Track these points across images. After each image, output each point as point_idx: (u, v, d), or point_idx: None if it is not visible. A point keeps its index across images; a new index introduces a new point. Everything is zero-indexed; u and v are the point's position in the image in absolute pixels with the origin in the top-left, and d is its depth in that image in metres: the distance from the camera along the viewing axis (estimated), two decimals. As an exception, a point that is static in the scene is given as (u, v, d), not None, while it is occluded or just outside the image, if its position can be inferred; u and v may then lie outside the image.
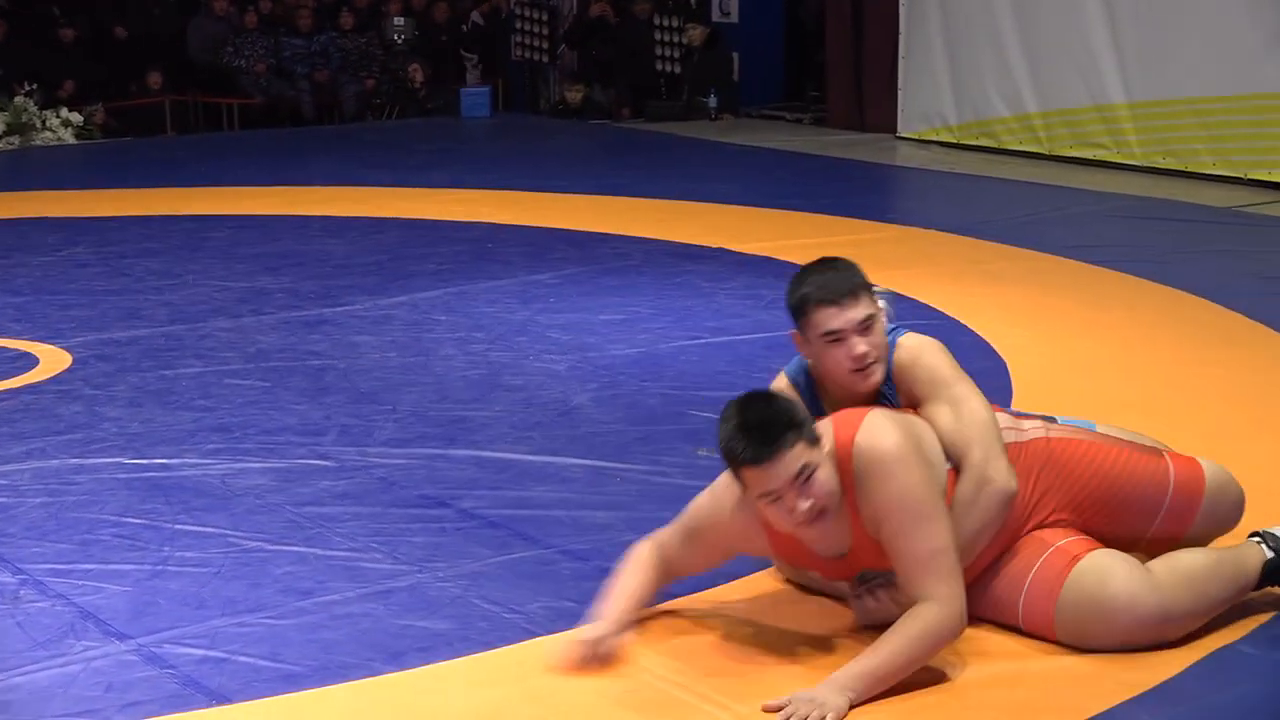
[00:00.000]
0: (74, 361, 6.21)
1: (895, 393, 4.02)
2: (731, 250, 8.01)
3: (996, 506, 3.79)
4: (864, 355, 3.86)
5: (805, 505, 3.39)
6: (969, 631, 3.53)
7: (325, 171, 10.81)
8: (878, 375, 3.94)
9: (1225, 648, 3.59)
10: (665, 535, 3.78)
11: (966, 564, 3.69)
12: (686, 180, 10.28)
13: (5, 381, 5.96)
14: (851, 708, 3.34)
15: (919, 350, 4.05)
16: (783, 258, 7.75)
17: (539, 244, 8.37)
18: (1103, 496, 3.85)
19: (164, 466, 4.99)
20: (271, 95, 14.73)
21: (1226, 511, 4.00)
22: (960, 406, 3.94)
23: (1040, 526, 3.81)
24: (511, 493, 4.72)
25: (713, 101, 13.42)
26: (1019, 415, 4.11)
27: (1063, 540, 3.74)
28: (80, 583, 4.10)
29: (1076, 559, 3.65)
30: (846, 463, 3.53)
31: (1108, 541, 3.76)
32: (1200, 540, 3.94)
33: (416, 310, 6.98)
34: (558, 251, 8.13)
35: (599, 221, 8.83)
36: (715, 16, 13.91)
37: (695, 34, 13.70)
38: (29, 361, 6.22)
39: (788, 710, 3.35)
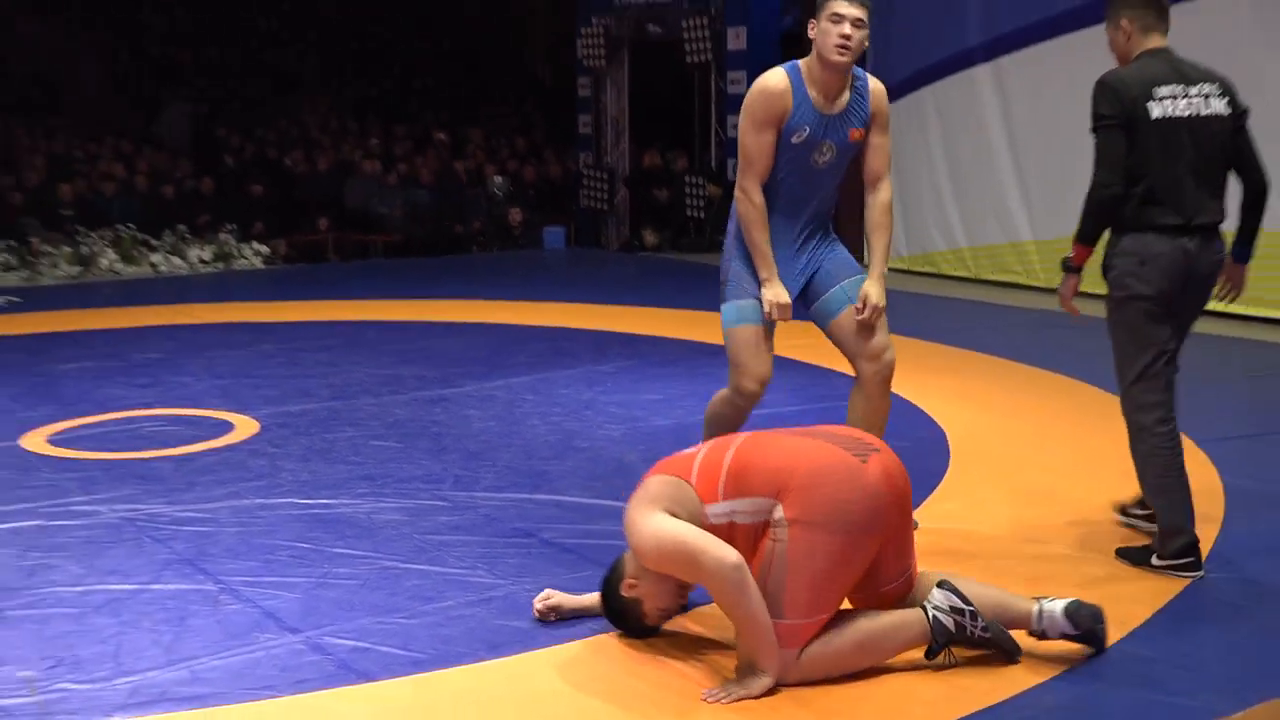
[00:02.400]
0: (261, 428, 6.25)
1: (866, 105, 4.49)
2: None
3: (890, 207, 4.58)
4: (848, 38, 4.27)
5: None
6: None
7: (445, 289, 10.88)
8: (848, 59, 4.31)
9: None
10: None
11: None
12: (710, 297, 10.26)
13: (210, 442, 5.99)
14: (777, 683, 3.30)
15: (882, 87, 4.58)
16: (783, 354, 7.75)
17: (601, 343, 8.39)
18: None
19: (325, 505, 5.01)
20: (405, 233, 14.84)
21: None
22: (888, 142, 4.54)
23: None
24: (581, 526, 4.72)
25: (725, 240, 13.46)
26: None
27: None
28: (264, 590, 4.12)
29: None
30: None
31: None
32: None
33: (511, 391, 6.99)
34: (614, 349, 8.15)
35: (645, 327, 8.87)
36: (729, 176, 13.97)
37: (714, 190, 13.79)
38: (227, 427, 6.26)
39: (718, 694, 3.30)
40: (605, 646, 3.67)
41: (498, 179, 15.57)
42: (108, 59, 19.43)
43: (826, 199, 4.61)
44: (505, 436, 6.06)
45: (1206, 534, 4.55)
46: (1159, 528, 4.27)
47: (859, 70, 4.47)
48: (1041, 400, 6.73)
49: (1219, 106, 4.18)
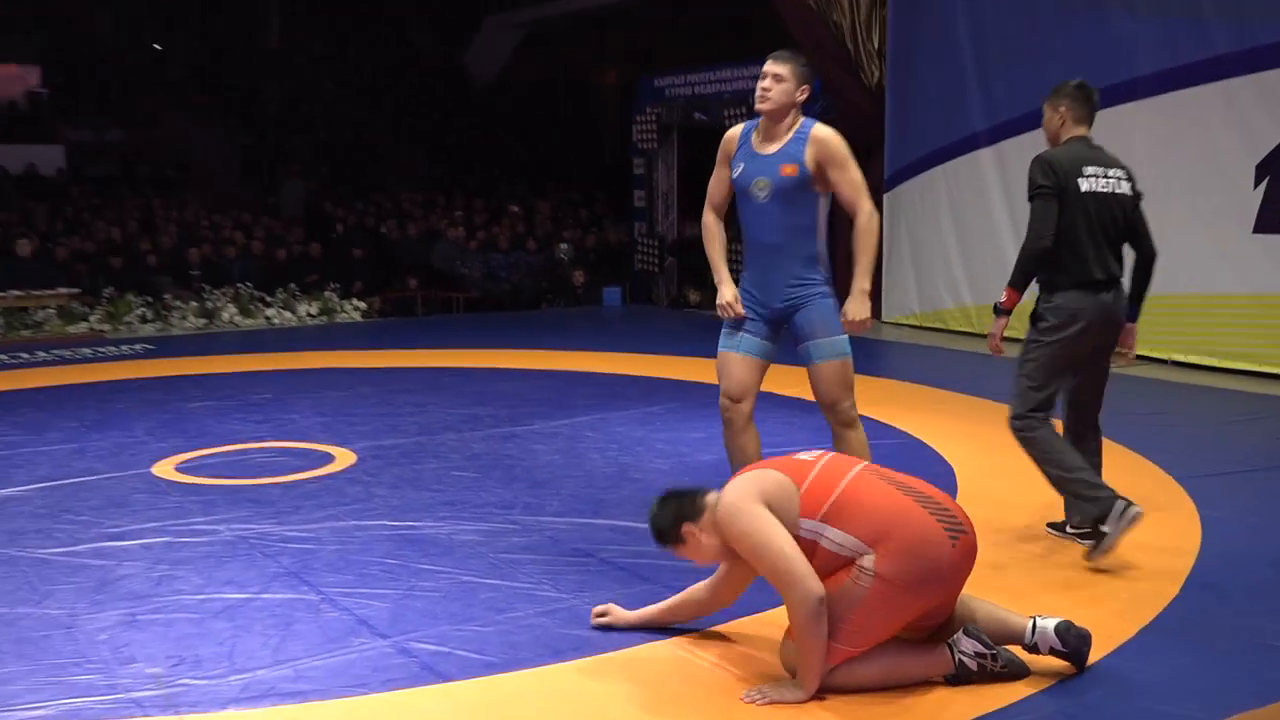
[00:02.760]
0: (357, 459, 6.27)
1: (803, 149, 4.54)
2: (776, 394, 7.96)
3: (877, 227, 4.53)
4: (767, 90, 4.53)
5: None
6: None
7: (516, 340, 10.91)
8: (767, 107, 4.54)
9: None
10: None
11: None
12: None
13: (313, 471, 6.01)
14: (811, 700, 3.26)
15: (833, 133, 4.57)
16: (805, 398, 7.71)
17: (651, 388, 8.37)
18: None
19: (412, 527, 5.01)
20: (483, 291, 14.92)
21: None
22: (855, 172, 4.52)
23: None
24: (634, 548, 4.69)
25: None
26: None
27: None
28: (358, 600, 4.11)
29: None
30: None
31: None
32: None
33: (573, 429, 6.98)
34: (664, 393, 8.13)
35: (691, 374, 8.83)
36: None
37: (752, 255, 13.76)
38: (328, 458, 6.28)
39: (754, 695, 3.27)
40: (656, 653, 3.64)
41: (564, 245, 15.66)
42: (233, 143, 19.75)
43: (783, 232, 4.60)
44: (568, 468, 6.05)
45: (1186, 560, 4.48)
46: (1085, 507, 4.44)
47: (809, 121, 4.60)
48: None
49: (1125, 188, 4.55)
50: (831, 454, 3.56)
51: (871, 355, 10.20)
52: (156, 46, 22.15)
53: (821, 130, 4.57)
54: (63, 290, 12.21)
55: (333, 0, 23.60)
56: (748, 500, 3.35)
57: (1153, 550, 4.58)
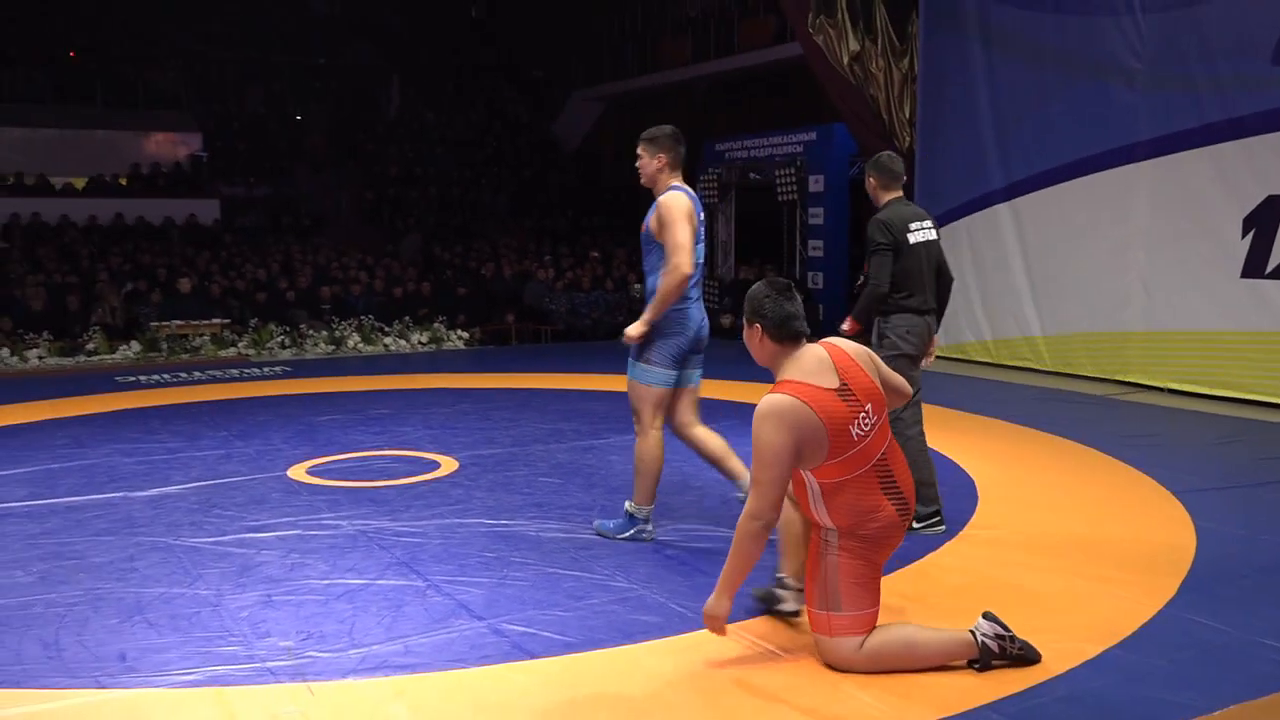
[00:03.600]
0: (459, 466, 6.28)
1: (651, 211, 4.62)
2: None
3: (675, 281, 4.48)
4: (637, 166, 4.71)
5: None
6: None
7: (596, 366, 10.91)
8: (642, 179, 4.70)
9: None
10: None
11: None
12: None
13: (422, 476, 6.03)
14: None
15: (666, 199, 4.58)
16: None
17: (711, 407, 8.25)
18: None
19: (505, 525, 5.00)
20: (568, 324, 14.95)
21: None
22: (676, 234, 4.51)
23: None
24: (695, 545, 4.65)
25: (806, 331, 13.30)
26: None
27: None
28: (459, 587, 4.11)
29: None
30: None
31: None
32: None
33: (644, 442, 6.95)
34: (721, 411, 8.06)
35: (745, 395, 8.77)
36: (809, 285, 13.87)
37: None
38: (435, 465, 6.30)
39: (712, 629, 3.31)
40: (715, 640, 3.58)
41: (636, 285, 15.65)
42: (359, 198, 20.04)
43: (648, 276, 4.70)
44: (639, 476, 6.01)
45: (1183, 564, 4.34)
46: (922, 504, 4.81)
47: (673, 187, 4.64)
48: (1044, 454, 6.50)
49: (934, 235, 4.98)
50: (884, 440, 3.27)
51: (902, 382, 10.08)
52: (298, 117, 22.62)
53: (663, 197, 4.60)
54: (216, 320, 12.44)
55: (443, 78, 23.98)
56: (775, 422, 3.14)
57: (1153, 556, 4.45)
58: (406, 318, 13.24)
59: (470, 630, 3.65)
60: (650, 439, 4.64)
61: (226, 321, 12.57)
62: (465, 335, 13.41)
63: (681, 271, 4.50)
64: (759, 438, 3.14)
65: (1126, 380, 9.25)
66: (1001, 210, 10.73)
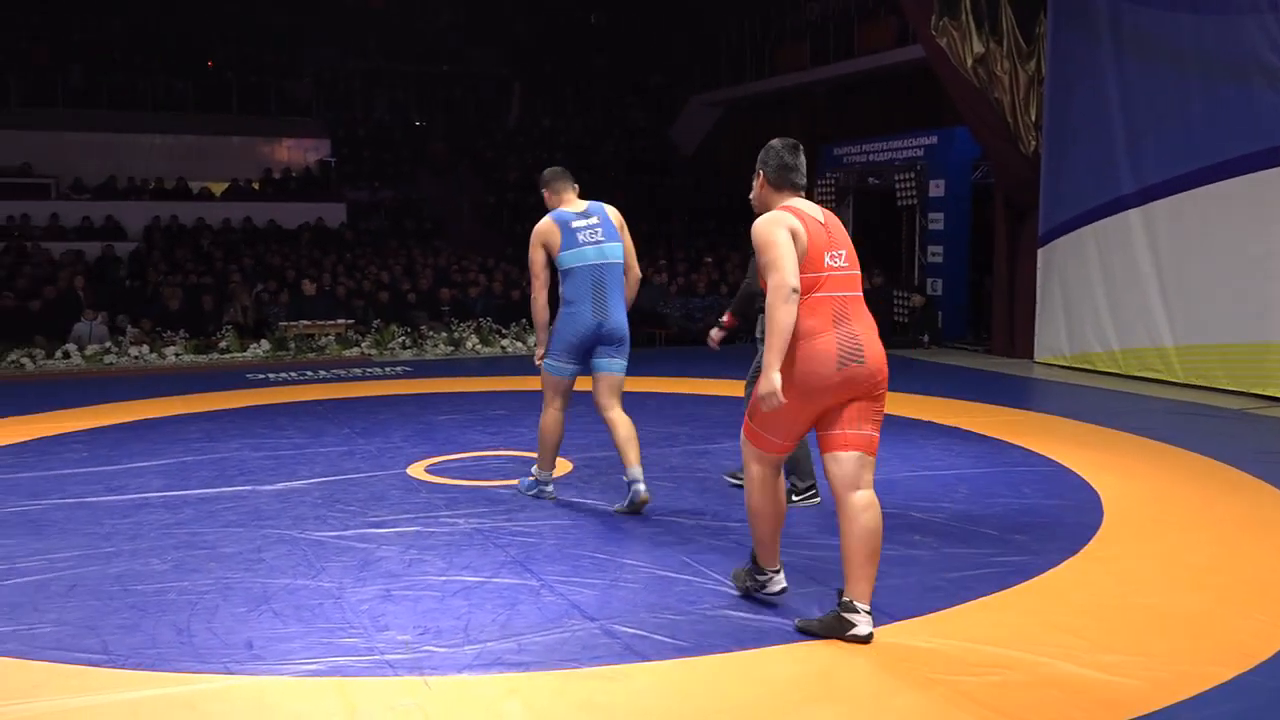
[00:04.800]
0: (573, 468, 6.33)
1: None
2: (935, 421, 7.75)
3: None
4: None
5: None
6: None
7: (709, 370, 10.88)
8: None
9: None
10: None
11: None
12: (912, 381, 10.03)
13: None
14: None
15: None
16: (965, 428, 7.48)
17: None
18: None
19: (617, 527, 5.04)
20: (682, 329, 14.96)
21: None
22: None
23: None
24: (806, 552, 4.60)
25: (925, 338, 13.08)
26: None
27: None
28: (572, 587, 4.14)
29: None
30: None
31: None
32: None
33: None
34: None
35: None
36: (929, 291, 13.63)
37: (917, 300, 13.42)
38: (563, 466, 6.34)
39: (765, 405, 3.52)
40: (829, 646, 3.54)
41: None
42: (479, 203, 20.41)
43: None
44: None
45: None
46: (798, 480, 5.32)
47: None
48: (1175, 470, 6.25)
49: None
50: (841, 275, 3.64)
51: (1023, 391, 9.82)
52: (421, 124, 23.19)
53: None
54: (340, 321, 12.81)
55: (562, 85, 24.28)
56: (772, 222, 3.59)
57: (1292, 578, 4.24)
58: (523, 320, 13.39)
59: (583, 630, 3.68)
60: (548, 415, 5.39)
61: (350, 322, 12.92)
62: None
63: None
64: (759, 238, 3.58)
65: (1266, 394, 8.84)
66: (1132, 215, 10.36)
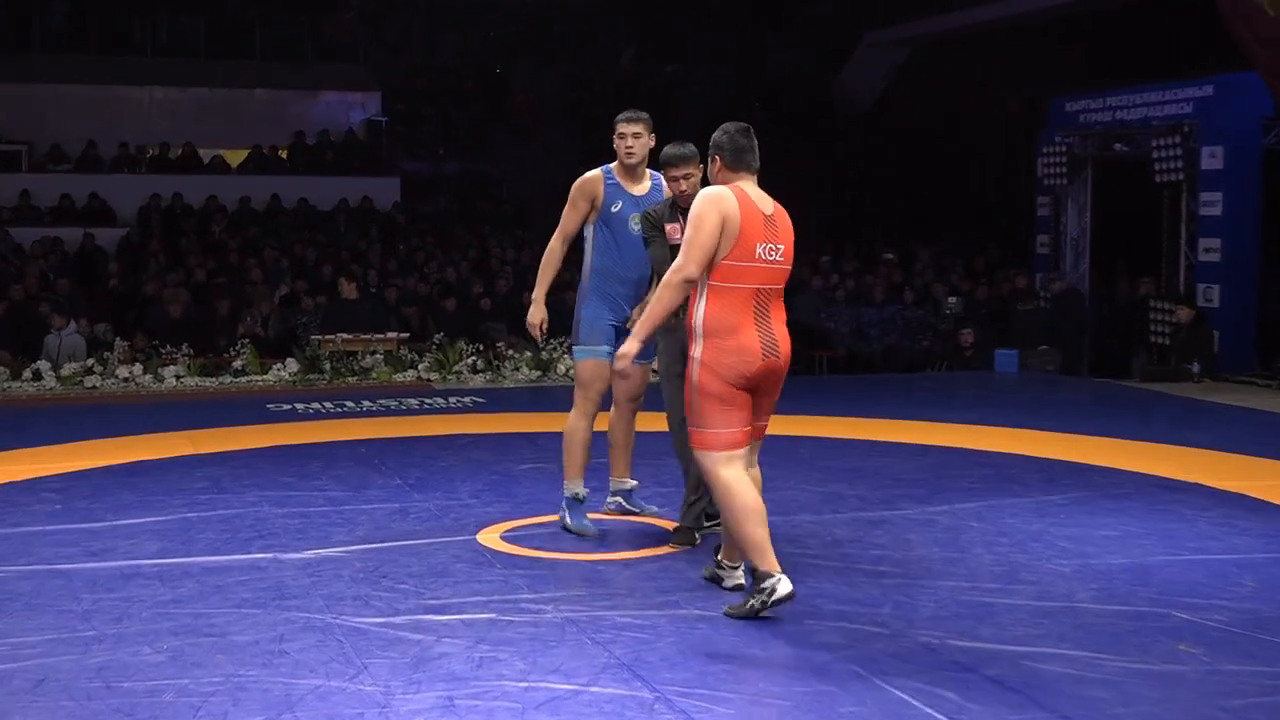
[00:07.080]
0: (701, 540, 6.25)
1: (661, 195, 6.51)
2: (1207, 485, 7.53)
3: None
4: (631, 146, 6.84)
5: None
6: None
7: (887, 408, 10.76)
8: (634, 160, 6.85)
9: None
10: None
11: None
12: (1171, 428, 9.76)
13: (651, 549, 6.10)
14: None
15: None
16: (1252, 494, 7.24)
17: (1050, 472, 8.06)
18: None
19: (760, 621, 4.98)
20: (851, 349, 14.85)
21: None
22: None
23: None
24: (1028, 665, 4.48)
25: (1195, 368, 12.72)
26: None
27: None
28: (697, 703, 4.10)
29: None
30: None
31: None
32: None
33: (954, 517, 6.80)
34: (1065, 479, 7.81)
35: (1099, 457, 8.46)
36: (1200, 302, 13.27)
37: (1184, 314, 13.07)
38: (667, 535, 6.33)
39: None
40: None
41: (951, 299, 15.36)
42: (577, 175, 20.58)
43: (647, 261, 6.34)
44: (948, 564, 5.86)
45: None
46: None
47: (655, 173, 6.58)
48: None
49: None
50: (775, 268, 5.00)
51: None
52: (499, 71, 23.16)
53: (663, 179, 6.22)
54: (392, 335, 12.97)
55: (689, 18, 24.20)
56: (712, 201, 4.91)
57: None
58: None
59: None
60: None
61: (404, 336, 13.12)
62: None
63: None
64: (694, 214, 4.90)
65: None
66: None
